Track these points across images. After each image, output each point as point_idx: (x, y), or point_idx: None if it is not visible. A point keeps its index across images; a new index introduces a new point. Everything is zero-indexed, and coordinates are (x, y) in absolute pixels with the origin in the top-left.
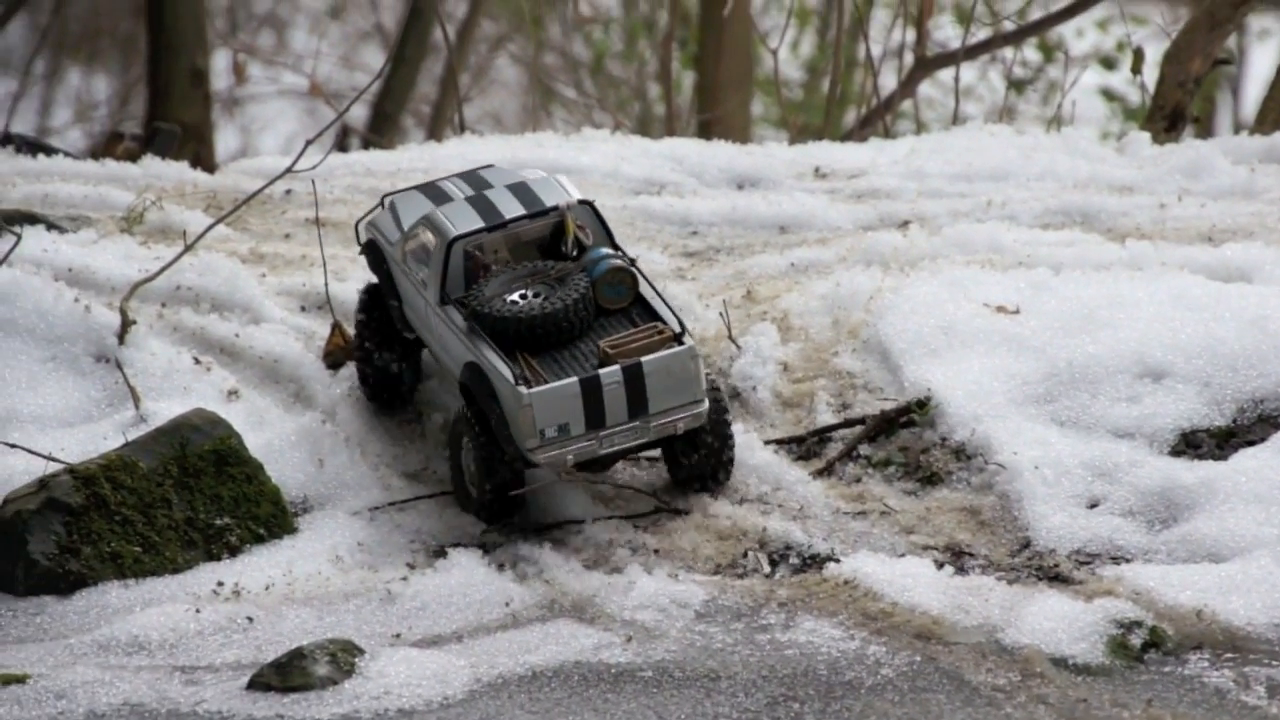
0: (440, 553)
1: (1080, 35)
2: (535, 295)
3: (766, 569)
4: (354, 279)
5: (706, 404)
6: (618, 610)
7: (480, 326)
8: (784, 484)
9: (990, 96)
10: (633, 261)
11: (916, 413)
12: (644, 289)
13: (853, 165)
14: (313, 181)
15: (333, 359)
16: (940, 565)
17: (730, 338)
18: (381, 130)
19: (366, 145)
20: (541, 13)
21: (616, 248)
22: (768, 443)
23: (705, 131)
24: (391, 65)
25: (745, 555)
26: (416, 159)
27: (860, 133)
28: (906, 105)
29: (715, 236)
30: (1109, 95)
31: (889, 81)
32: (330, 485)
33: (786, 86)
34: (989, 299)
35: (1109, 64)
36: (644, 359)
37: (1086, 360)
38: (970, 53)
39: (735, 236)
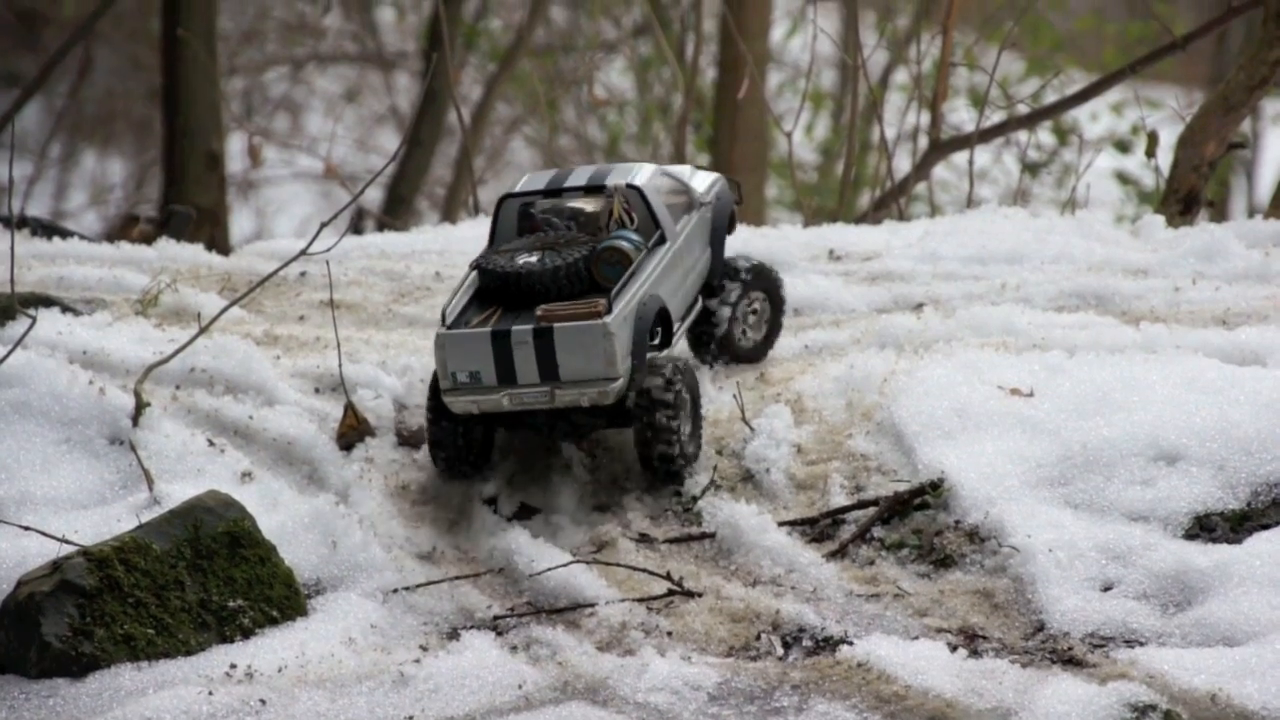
0: (453, 635)
1: (1095, 118)
2: (534, 258)
3: (780, 651)
4: (367, 361)
5: (619, 384)
6: (631, 693)
7: (478, 279)
8: (797, 566)
9: (1005, 179)
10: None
11: (930, 495)
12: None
13: (867, 248)
14: (328, 264)
15: (346, 440)
16: (954, 648)
17: (744, 419)
18: (396, 212)
19: (381, 227)
20: (556, 95)
21: (663, 234)
22: (781, 524)
23: None
24: (406, 148)
25: (759, 638)
26: (431, 241)
27: (874, 215)
28: (921, 188)
29: None
30: (1123, 178)
31: (903, 164)
32: (343, 567)
33: (801, 169)
34: (1003, 381)
35: (1124, 147)
36: (556, 324)
37: (1100, 443)
38: (984, 136)
39: None
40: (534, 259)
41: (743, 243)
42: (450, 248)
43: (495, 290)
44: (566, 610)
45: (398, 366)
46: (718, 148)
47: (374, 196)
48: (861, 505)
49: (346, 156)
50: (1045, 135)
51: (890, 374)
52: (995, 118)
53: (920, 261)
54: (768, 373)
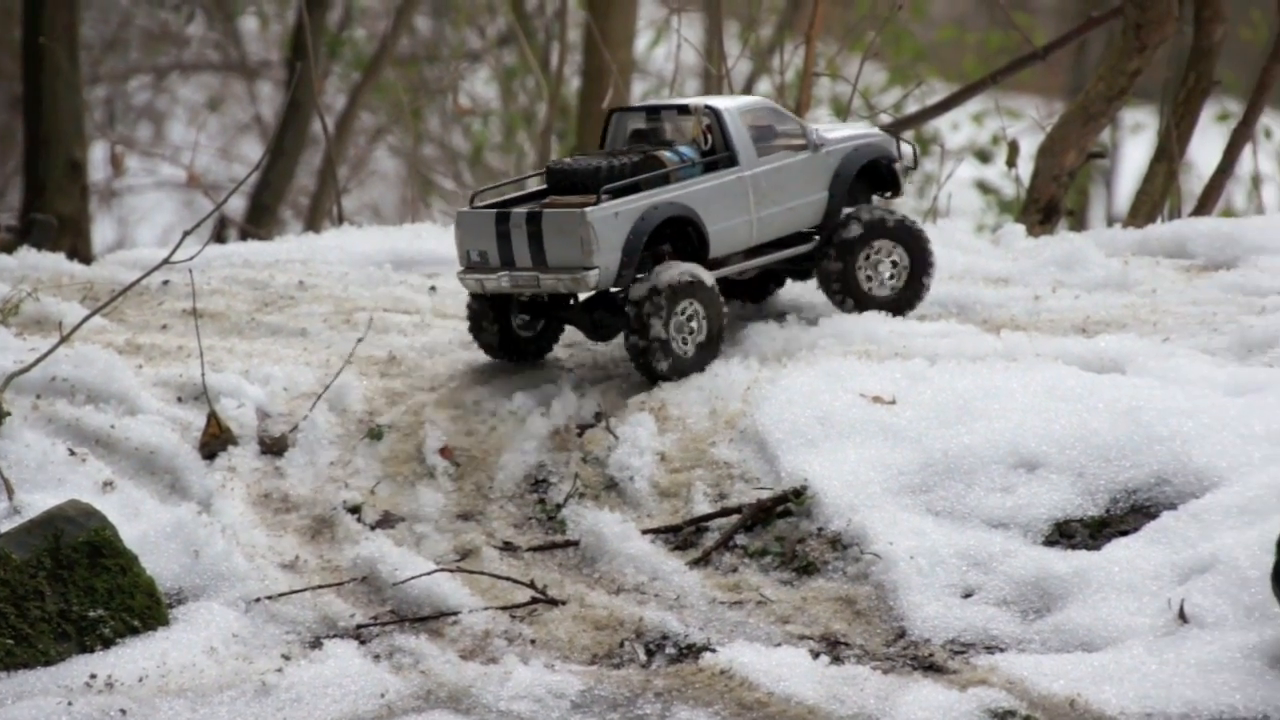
0: (316, 644)
1: (956, 128)
2: (592, 161)
3: (643, 659)
4: (230, 370)
5: (595, 274)
6: (494, 701)
7: (545, 178)
8: (661, 574)
9: None
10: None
11: (793, 502)
12: None
13: None
14: (190, 272)
15: (209, 449)
16: (816, 655)
17: (608, 428)
18: (259, 221)
19: (244, 236)
20: (420, 105)
21: (734, 156)
22: (645, 532)
23: None
24: (270, 157)
25: (622, 645)
26: (294, 250)
27: None
28: None
29: None
30: (984, 188)
31: None
32: (205, 576)
33: None
34: (865, 389)
35: (984, 157)
36: (545, 211)
37: (961, 450)
38: None
39: None
40: (590, 161)
41: None
42: (314, 257)
43: (555, 189)
44: (430, 619)
45: (260, 375)
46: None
47: (237, 205)
48: (725, 513)
49: (210, 165)
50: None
51: (753, 382)
52: None
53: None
54: (632, 379)
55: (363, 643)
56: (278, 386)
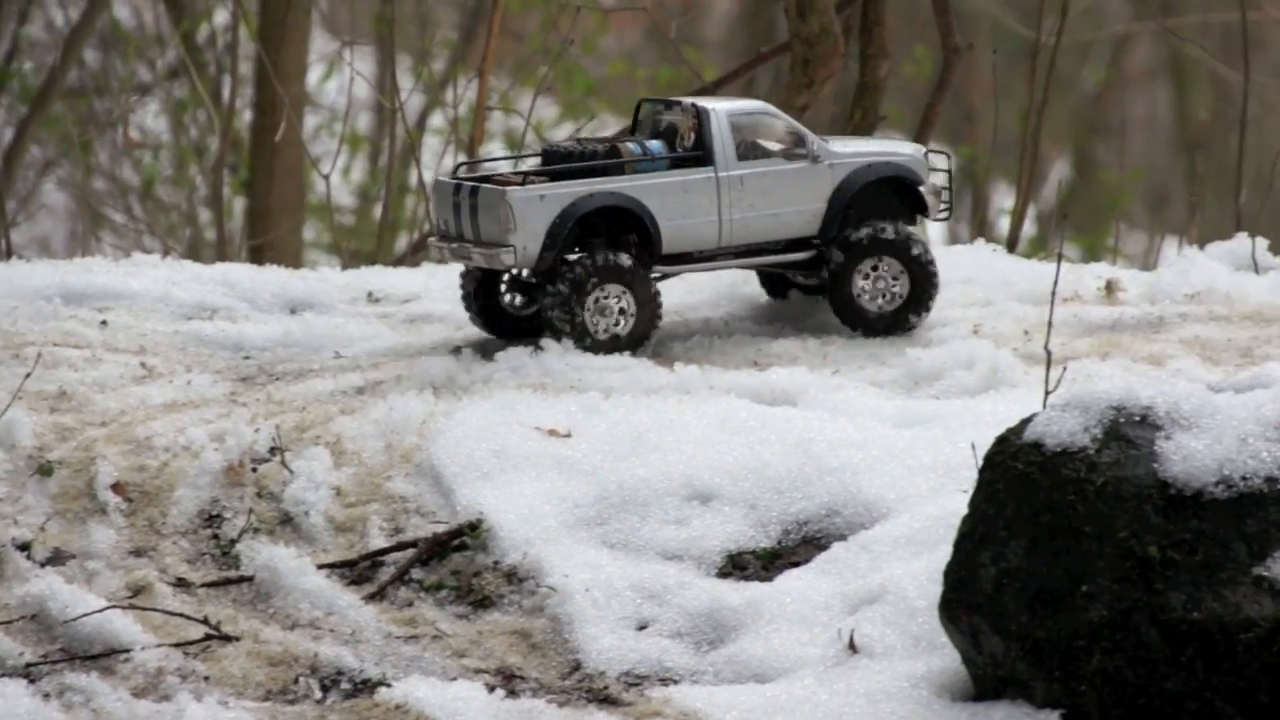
0: None
1: None
2: (570, 145)
3: (318, 694)
4: None
5: (511, 253)
6: None
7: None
8: (336, 609)
9: None
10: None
11: (469, 536)
12: None
13: (405, 290)
14: None
15: None
16: (491, 689)
17: (283, 462)
18: None
19: None
20: (90, 138)
21: (709, 156)
22: (320, 567)
23: (257, 256)
24: None
25: (296, 681)
26: None
27: (413, 258)
28: None
29: (269, 361)
30: None
31: None
32: None
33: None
34: (541, 422)
35: None
36: (480, 186)
37: (636, 483)
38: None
39: (289, 361)
40: (572, 146)
41: (282, 284)
42: None
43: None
44: (101, 657)
45: None
46: (255, 190)
47: None
48: (400, 547)
49: None
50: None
51: (429, 416)
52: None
53: (459, 304)
54: (308, 414)
55: (32, 681)
56: None
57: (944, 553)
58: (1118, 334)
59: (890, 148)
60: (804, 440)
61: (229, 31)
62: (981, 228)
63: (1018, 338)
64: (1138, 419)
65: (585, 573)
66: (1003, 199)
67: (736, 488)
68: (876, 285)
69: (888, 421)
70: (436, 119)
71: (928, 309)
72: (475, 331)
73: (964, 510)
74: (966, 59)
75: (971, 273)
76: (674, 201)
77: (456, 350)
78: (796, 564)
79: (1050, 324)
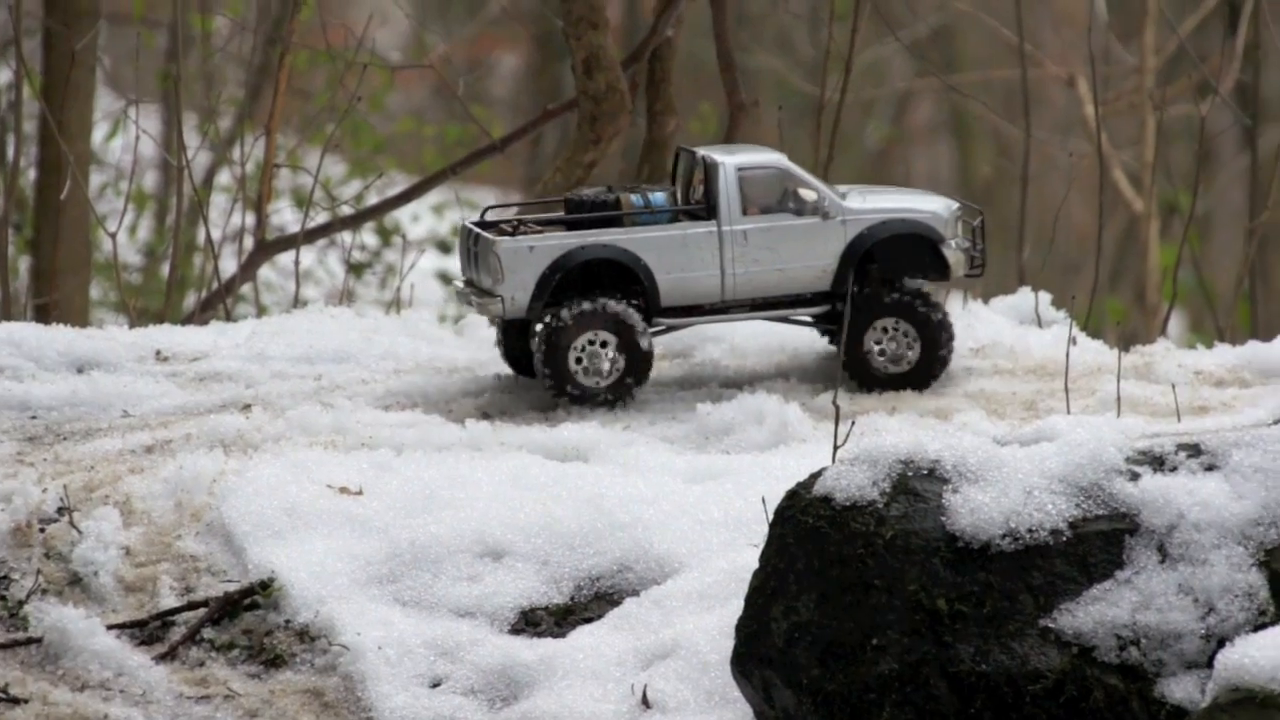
0: None
1: (416, 219)
2: (589, 193)
3: None
4: None
5: (499, 302)
6: None
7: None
8: (127, 669)
9: (330, 280)
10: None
11: (260, 595)
12: None
13: (194, 348)
14: None
15: None
16: None
17: (71, 522)
18: None
19: None
20: None
21: (713, 209)
22: (110, 627)
23: (43, 315)
24: None
25: None
26: None
27: (201, 316)
28: (247, 288)
29: (56, 420)
30: (446, 278)
31: (229, 265)
32: None
33: (126, 270)
34: (332, 480)
35: (446, 247)
36: (481, 234)
37: (428, 540)
38: (310, 236)
39: (77, 420)
40: (589, 194)
41: (68, 343)
42: None
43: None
44: None
45: None
46: (40, 249)
47: None
48: (191, 606)
49: None
50: (369, 236)
51: (220, 474)
52: (320, 218)
53: (248, 361)
54: (96, 474)
55: None
56: None
57: (736, 607)
58: (905, 388)
59: (915, 203)
60: (596, 496)
61: (11, 89)
62: None
63: (809, 392)
64: (925, 472)
65: (378, 630)
66: None
67: (529, 544)
68: (888, 345)
69: (679, 477)
70: (224, 176)
71: (939, 369)
72: (267, 389)
73: (755, 564)
74: (752, 115)
75: (761, 327)
76: (673, 255)
77: (246, 408)
78: (589, 620)
79: (839, 379)
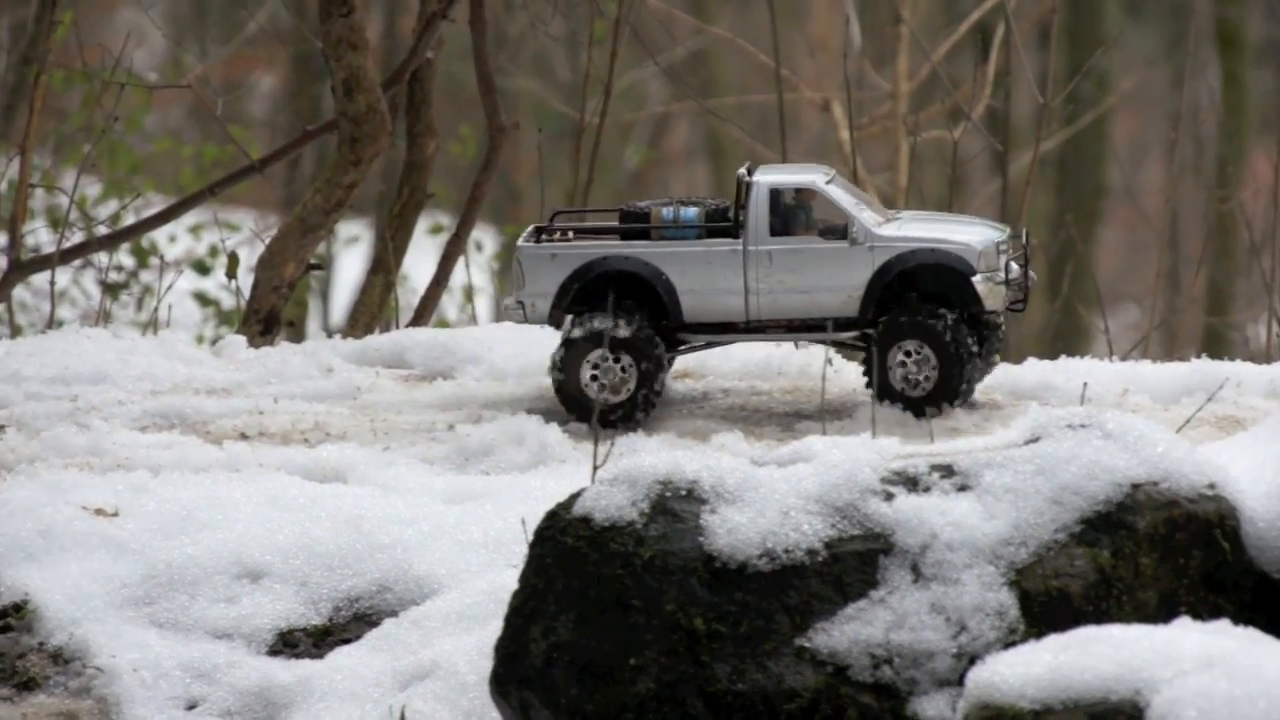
0: None
1: (174, 240)
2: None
3: None
4: None
5: (518, 310)
6: None
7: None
8: None
9: (86, 300)
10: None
11: (13, 617)
12: None
13: None
14: None
15: None
16: None
17: None
18: None
19: None
20: None
21: (740, 228)
22: None
23: None
24: None
25: None
26: None
27: None
28: (0, 309)
29: None
30: (204, 299)
31: None
32: None
33: None
34: (88, 502)
35: (204, 268)
36: (518, 242)
37: (185, 561)
38: (65, 256)
39: None
40: (642, 204)
41: None
42: None
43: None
44: None
45: None
46: None
47: None
48: None
49: None
50: (126, 256)
51: None
52: (75, 239)
53: (2, 382)
54: None
55: None
56: None
57: (495, 628)
58: (664, 409)
59: (951, 233)
60: (355, 517)
61: None
62: None
63: (567, 414)
64: (684, 493)
65: (133, 653)
66: None
67: (287, 565)
68: (909, 369)
69: (439, 497)
70: None
71: (959, 397)
72: (21, 410)
73: (515, 585)
74: (512, 138)
75: (519, 348)
76: (696, 271)
77: (0, 429)
78: (348, 641)
79: (597, 399)
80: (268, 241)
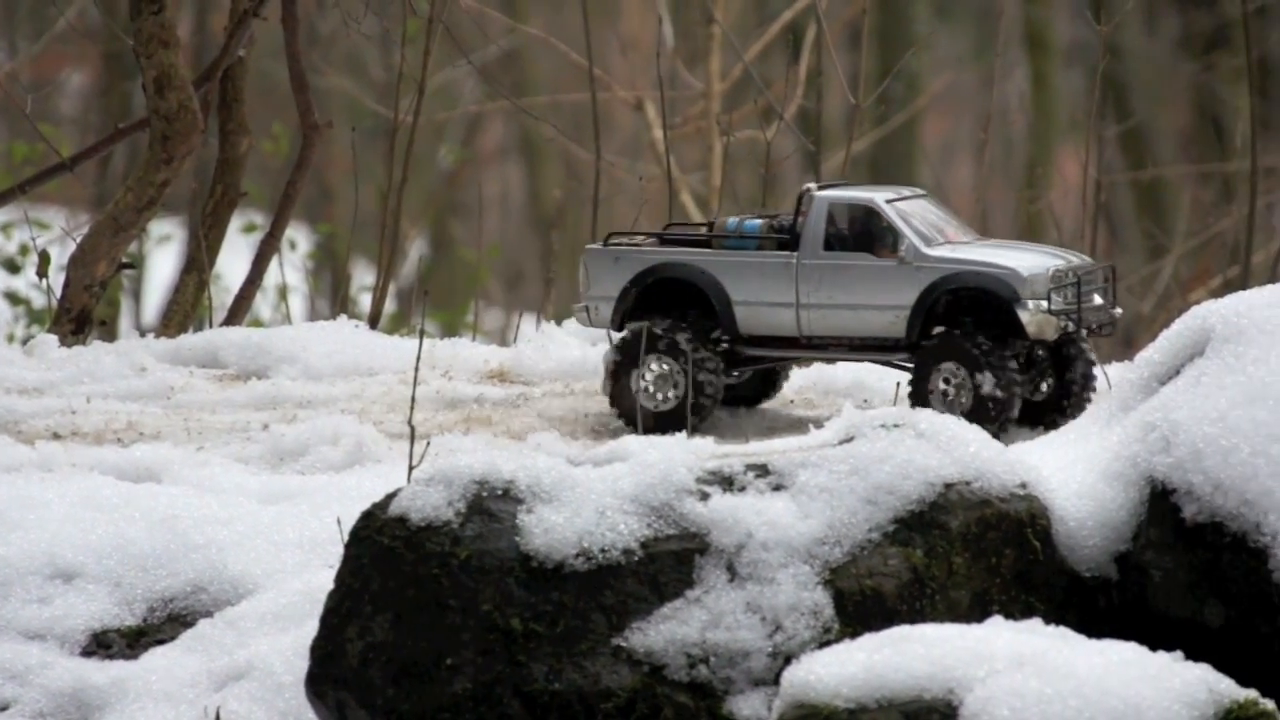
0: None
1: None
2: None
3: None
4: None
5: (584, 310)
6: None
7: None
8: None
9: None
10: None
11: None
12: None
13: None
14: None
15: None
16: None
17: None
18: None
19: None
20: None
21: (795, 241)
22: None
23: None
24: None
25: None
26: None
27: None
28: None
29: None
30: (15, 298)
31: None
32: None
33: None
34: None
35: (14, 267)
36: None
37: None
38: None
39: None
40: (735, 219)
41: None
42: None
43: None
44: None
45: None
46: None
47: None
48: None
49: None
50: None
51: None
52: None
53: None
54: None
55: None
56: None
57: (311, 628)
58: (481, 409)
59: (1000, 257)
60: (169, 517)
61: None
62: (344, 305)
63: (383, 413)
64: (500, 493)
65: None
66: (363, 276)
67: (100, 565)
68: (946, 392)
69: (253, 497)
70: None
71: (996, 422)
72: None
73: (331, 585)
74: (326, 137)
75: (335, 347)
76: (750, 281)
77: None
78: (162, 641)
79: (414, 399)
80: (79, 240)
